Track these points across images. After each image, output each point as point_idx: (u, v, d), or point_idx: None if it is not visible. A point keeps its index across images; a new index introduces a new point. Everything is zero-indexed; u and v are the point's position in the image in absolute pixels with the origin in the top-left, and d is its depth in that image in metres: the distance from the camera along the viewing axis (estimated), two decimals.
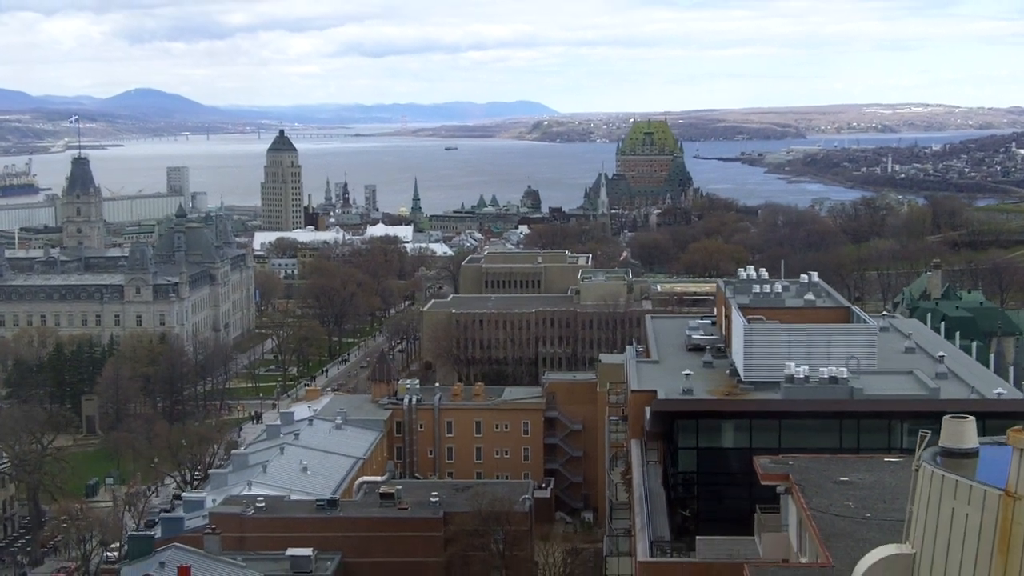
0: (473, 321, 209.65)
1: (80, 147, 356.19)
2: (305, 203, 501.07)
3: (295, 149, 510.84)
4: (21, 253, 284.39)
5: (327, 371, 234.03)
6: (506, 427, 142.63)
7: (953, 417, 35.31)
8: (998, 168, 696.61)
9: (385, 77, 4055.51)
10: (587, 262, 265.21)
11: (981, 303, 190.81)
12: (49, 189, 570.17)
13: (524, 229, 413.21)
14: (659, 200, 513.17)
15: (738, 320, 74.61)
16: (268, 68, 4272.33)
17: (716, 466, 60.29)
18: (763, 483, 47.59)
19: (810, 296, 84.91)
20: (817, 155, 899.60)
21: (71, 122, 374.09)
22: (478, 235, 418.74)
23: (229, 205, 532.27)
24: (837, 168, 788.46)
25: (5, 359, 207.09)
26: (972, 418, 35.21)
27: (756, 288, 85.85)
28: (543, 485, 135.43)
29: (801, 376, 65.38)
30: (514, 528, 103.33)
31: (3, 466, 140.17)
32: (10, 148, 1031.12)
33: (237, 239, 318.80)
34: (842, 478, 46.93)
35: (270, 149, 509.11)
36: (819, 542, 40.28)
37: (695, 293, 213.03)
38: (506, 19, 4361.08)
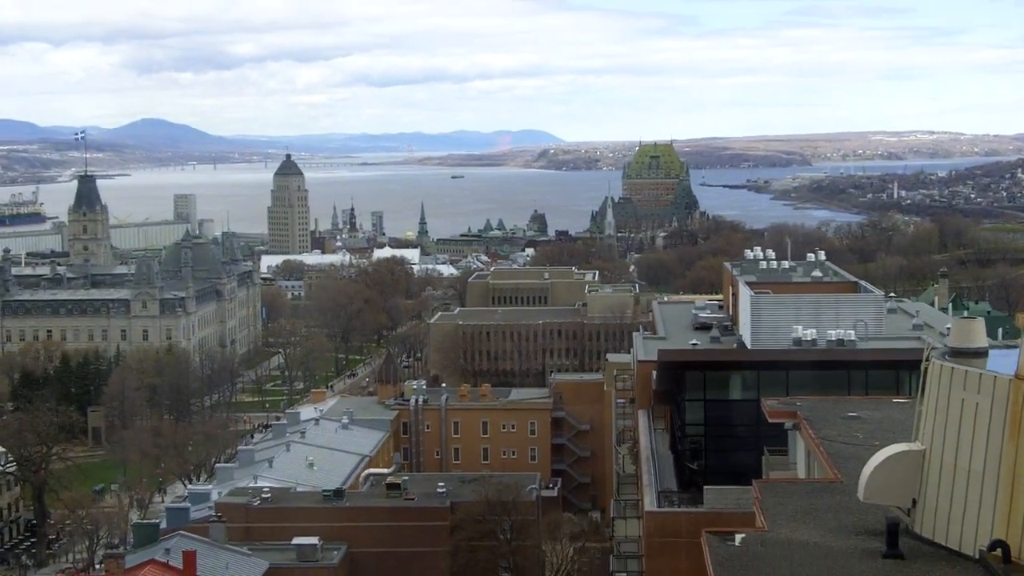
0: (480, 332, 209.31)
1: (86, 164, 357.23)
2: (312, 227, 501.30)
3: (301, 173, 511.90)
4: (28, 271, 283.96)
5: (333, 386, 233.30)
6: (513, 427, 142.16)
7: (963, 318, 35.04)
8: (1004, 194, 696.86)
9: (392, 107, 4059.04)
10: (594, 278, 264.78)
11: (989, 312, 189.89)
12: (56, 218, 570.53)
13: (531, 252, 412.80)
14: (665, 223, 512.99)
15: (745, 293, 74.30)
16: (275, 98, 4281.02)
17: (724, 418, 59.84)
18: (771, 421, 47.08)
19: (817, 273, 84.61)
20: (823, 182, 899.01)
21: (77, 137, 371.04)
22: (484, 258, 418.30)
23: (236, 232, 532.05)
24: (843, 194, 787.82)
25: (12, 372, 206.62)
26: (982, 319, 34.95)
27: (763, 265, 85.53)
28: (550, 485, 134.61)
29: (808, 339, 65.00)
30: (521, 517, 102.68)
31: (9, 467, 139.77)
32: (18, 178, 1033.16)
33: (244, 261, 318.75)
34: (850, 414, 46.54)
35: (276, 173, 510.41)
36: (827, 463, 39.89)
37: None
38: (512, 49, 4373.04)
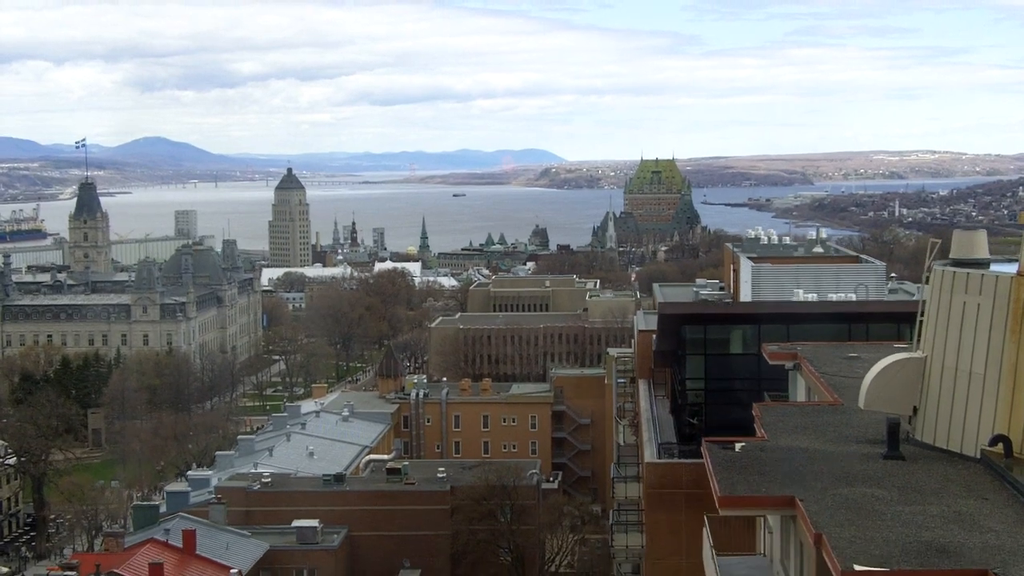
0: (481, 336, 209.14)
1: (87, 174, 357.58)
2: (313, 242, 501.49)
3: (303, 187, 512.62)
4: (28, 278, 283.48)
5: (333, 392, 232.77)
6: (513, 421, 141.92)
7: (964, 229, 35.00)
8: (1005, 212, 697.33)
9: (394, 125, 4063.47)
10: (595, 286, 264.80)
11: None
12: (57, 234, 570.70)
13: (532, 266, 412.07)
14: (667, 237, 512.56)
15: (746, 265, 74.20)
16: (278, 116, 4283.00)
17: (724, 372, 59.53)
18: (771, 363, 46.98)
19: (818, 249, 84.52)
20: (824, 200, 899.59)
21: (77, 145, 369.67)
22: (486, 271, 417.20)
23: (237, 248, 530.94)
24: (844, 212, 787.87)
25: (12, 376, 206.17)
26: (984, 231, 34.91)
27: (764, 242, 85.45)
28: (551, 478, 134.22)
29: (809, 302, 64.80)
30: (521, 502, 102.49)
31: (8, 458, 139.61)
32: (18, 195, 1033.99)
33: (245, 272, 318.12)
34: (850, 354, 46.41)
35: (278, 188, 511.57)
36: (827, 390, 39.75)
37: None
38: (515, 68, 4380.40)
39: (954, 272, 32.56)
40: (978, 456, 30.48)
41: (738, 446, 33.32)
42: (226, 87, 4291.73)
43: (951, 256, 34.23)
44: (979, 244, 34.27)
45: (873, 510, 27.08)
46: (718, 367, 59.45)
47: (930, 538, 25.22)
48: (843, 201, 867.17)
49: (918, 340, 33.95)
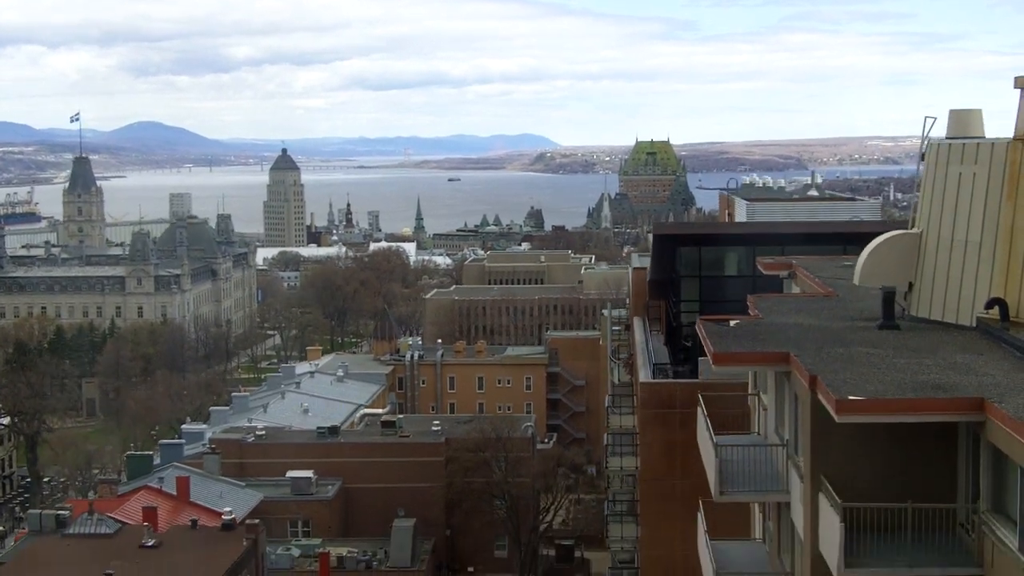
0: (476, 307, 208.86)
1: (81, 148, 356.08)
2: (308, 222, 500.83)
3: (298, 168, 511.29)
4: (23, 252, 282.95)
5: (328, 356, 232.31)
6: (508, 382, 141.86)
7: (958, 109, 34.78)
8: None
9: (389, 110, 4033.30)
10: (590, 261, 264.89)
11: None
12: (52, 217, 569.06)
13: (527, 246, 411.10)
14: (662, 218, 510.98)
15: (741, 204, 74.00)
16: (273, 101, 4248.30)
17: (719, 294, 59.20)
18: (766, 273, 46.72)
19: (813, 192, 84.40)
20: (820, 185, 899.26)
21: (72, 120, 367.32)
22: (480, 252, 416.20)
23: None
24: None
25: (6, 346, 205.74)
26: (980, 109, 34.69)
27: (759, 184, 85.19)
28: (546, 440, 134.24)
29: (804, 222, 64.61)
30: (516, 454, 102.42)
31: (2, 419, 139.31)
32: (12, 179, 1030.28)
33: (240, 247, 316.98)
34: (845, 263, 46.22)
35: (272, 168, 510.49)
36: (820, 286, 39.56)
37: None
38: (511, 53, 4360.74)
39: (950, 143, 32.46)
40: (974, 325, 30.33)
41: (733, 322, 33.23)
42: (220, 72, 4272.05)
43: (947, 136, 34.07)
44: (975, 122, 34.10)
45: (868, 362, 27.02)
46: (713, 289, 59.23)
47: (926, 379, 25.19)
48: (838, 186, 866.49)
49: (914, 219, 33.81)
